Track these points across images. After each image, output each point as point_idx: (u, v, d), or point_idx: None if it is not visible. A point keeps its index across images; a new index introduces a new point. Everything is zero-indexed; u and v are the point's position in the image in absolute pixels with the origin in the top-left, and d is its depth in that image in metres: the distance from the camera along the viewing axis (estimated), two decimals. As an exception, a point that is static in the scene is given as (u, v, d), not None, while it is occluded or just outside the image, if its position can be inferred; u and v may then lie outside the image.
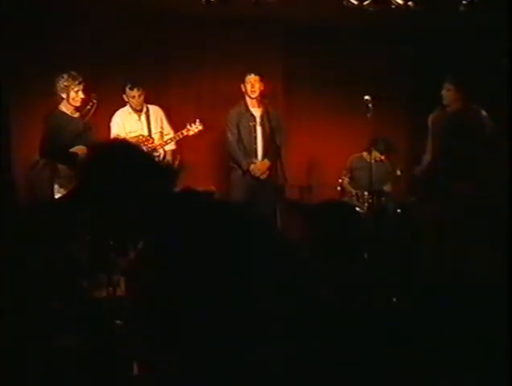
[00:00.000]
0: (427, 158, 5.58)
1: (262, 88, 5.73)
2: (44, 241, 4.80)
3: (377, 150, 5.98)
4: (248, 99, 5.81)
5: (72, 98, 5.11)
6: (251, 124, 5.80)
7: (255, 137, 5.81)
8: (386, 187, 6.05)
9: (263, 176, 5.76)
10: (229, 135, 5.83)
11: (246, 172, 5.76)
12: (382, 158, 6.06)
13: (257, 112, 5.83)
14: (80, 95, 5.13)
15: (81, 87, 5.12)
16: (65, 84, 5.07)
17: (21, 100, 5.73)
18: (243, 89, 5.78)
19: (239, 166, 5.79)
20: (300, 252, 5.99)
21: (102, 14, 5.98)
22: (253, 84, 5.71)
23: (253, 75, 5.71)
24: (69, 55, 5.90)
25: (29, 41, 5.82)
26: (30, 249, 4.72)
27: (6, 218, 4.67)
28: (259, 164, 5.77)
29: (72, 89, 5.09)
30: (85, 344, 2.97)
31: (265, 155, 5.79)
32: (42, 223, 4.92)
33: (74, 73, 5.12)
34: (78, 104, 5.15)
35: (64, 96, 5.11)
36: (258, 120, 5.81)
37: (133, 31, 6.23)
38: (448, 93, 5.36)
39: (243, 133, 5.80)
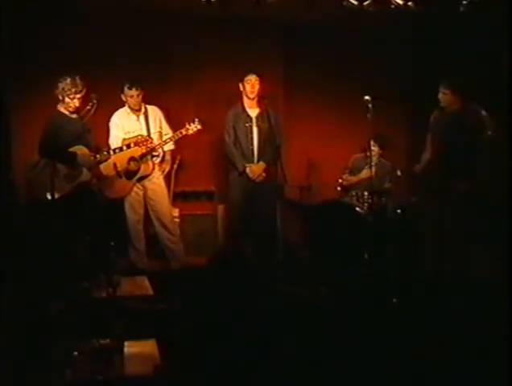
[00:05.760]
0: (426, 156, 5.59)
1: (260, 88, 5.72)
2: (44, 241, 4.80)
3: (378, 144, 5.98)
4: (246, 99, 5.79)
5: (67, 103, 5.09)
6: (247, 125, 5.79)
7: (251, 138, 5.80)
8: (386, 187, 6.05)
9: (259, 178, 5.74)
10: (226, 137, 5.81)
11: (242, 173, 5.75)
12: (381, 151, 6.06)
13: (253, 112, 5.81)
14: (76, 103, 5.07)
15: (79, 95, 5.03)
16: (63, 87, 5.03)
17: (21, 100, 5.73)
18: (242, 89, 5.77)
19: (235, 167, 5.78)
20: (300, 252, 6.04)
21: (102, 14, 5.99)
22: (253, 84, 5.70)
23: (253, 76, 5.70)
24: (69, 55, 5.89)
25: (29, 41, 5.82)
26: (30, 249, 4.72)
27: (6, 218, 4.68)
28: (254, 167, 5.75)
29: (68, 95, 5.04)
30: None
31: (261, 157, 5.76)
32: (42, 223, 4.93)
33: (77, 79, 5.02)
34: (71, 109, 5.12)
35: (60, 97, 5.10)
36: (254, 120, 5.79)
37: (133, 31, 6.23)
38: (444, 97, 5.37)
39: (240, 134, 5.79)
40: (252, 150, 5.79)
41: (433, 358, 3.10)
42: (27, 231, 4.93)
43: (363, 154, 6.14)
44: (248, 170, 5.73)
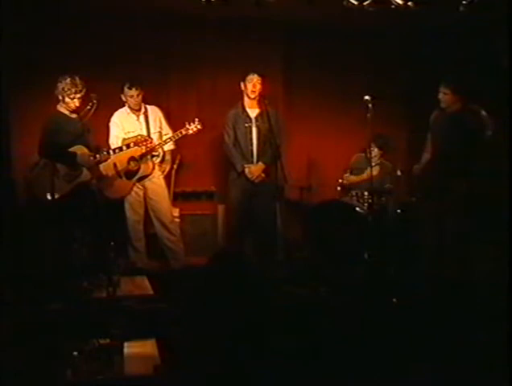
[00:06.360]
0: (426, 157, 5.59)
1: (261, 88, 5.72)
2: (44, 241, 4.80)
3: (376, 145, 5.99)
4: (246, 99, 5.78)
5: (67, 102, 5.08)
6: (247, 125, 5.77)
7: (251, 139, 5.77)
8: (386, 187, 6.05)
9: (258, 179, 5.73)
10: (226, 137, 5.79)
11: (241, 174, 5.74)
12: (381, 152, 6.07)
13: (253, 113, 5.79)
14: (76, 102, 5.05)
15: (79, 95, 5.02)
16: (63, 87, 5.02)
17: (21, 100, 5.73)
18: (243, 88, 5.74)
19: (234, 168, 5.77)
20: (300, 252, 6.05)
21: (102, 14, 5.99)
22: (254, 84, 5.67)
23: (255, 75, 5.68)
24: (69, 55, 5.89)
25: (29, 41, 5.82)
26: (30, 249, 4.72)
27: (5, 217, 4.68)
28: (253, 168, 5.72)
29: (68, 95, 5.02)
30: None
31: (260, 157, 5.74)
32: (42, 223, 4.93)
33: (76, 79, 5.00)
34: (71, 109, 5.10)
35: (60, 97, 5.10)
36: (254, 121, 5.77)
37: (133, 31, 6.23)
38: (444, 97, 5.37)
39: (239, 135, 5.77)
40: (251, 151, 5.77)
41: (433, 358, 3.10)
42: (27, 230, 4.93)
43: (363, 154, 6.14)
44: (247, 170, 5.72)
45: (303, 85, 6.80)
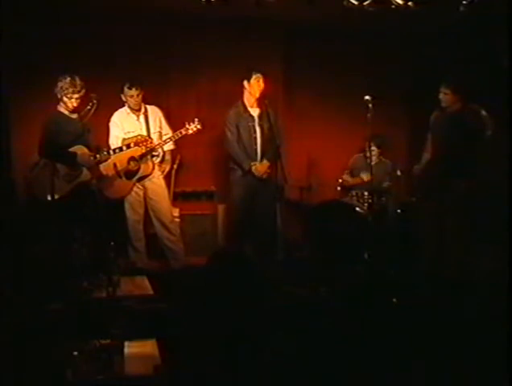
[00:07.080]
0: (426, 157, 5.60)
1: (264, 88, 5.72)
2: (44, 241, 4.80)
3: (375, 144, 6.01)
4: (247, 98, 5.77)
5: (65, 102, 5.07)
6: (250, 124, 5.77)
7: (255, 138, 5.78)
8: (386, 187, 6.06)
9: (265, 176, 5.73)
10: (229, 134, 5.79)
11: (248, 172, 5.73)
12: (379, 150, 6.09)
13: (255, 112, 5.80)
14: (74, 103, 5.05)
15: (76, 95, 5.01)
16: (62, 86, 5.02)
17: (21, 100, 5.73)
18: (246, 86, 5.74)
19: (240, 166, 5.77)
20: (300, 252, 6.05)
21: (102, 14, 5.99)
22: (260, 84, 5.68)
23: (260, 75, 5.68)
24: (69, 55, 5.89)
25: (29, 41, 5.82)
26: (30, 249, 4.72)
27: (5, 218, 4.68)
28: (259, 166, 5.73)
29: (66, 95, 5.02)
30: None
31: (264, 155, 5.76)
32: (42, 223, 4.93)
33: (76, 79, 5.00)
34: (70, 109, 5.10)
35: (59, 96, 5.09)
36: (257, 120, 5.78)
37: (133, 31, 6.23)
38: (445, 97, 5.37)
39: (243, 134, 5.77)
40: (255, 150, 5.78)
41: (433, 357, 3.10)
42: (27, 231, 4.93)
43: (362, 154, 6.15)
44: (253, 168, 5.72)
45: (303, 85, 6.81)
